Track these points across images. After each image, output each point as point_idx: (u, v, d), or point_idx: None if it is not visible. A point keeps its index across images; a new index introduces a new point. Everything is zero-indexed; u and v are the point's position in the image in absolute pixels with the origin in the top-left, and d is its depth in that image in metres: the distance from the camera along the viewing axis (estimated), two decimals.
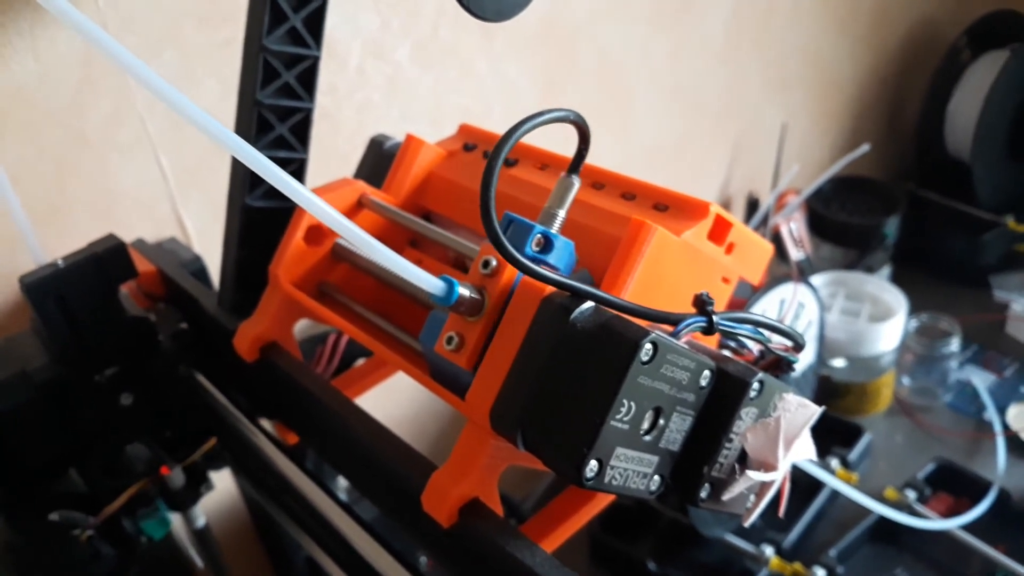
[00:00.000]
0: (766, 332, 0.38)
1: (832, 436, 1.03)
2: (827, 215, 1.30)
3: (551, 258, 0.39)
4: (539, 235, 0.39)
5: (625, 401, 0.32)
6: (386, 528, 0.50)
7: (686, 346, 0.34)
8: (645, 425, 0.34)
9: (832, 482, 0.85)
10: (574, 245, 0.40)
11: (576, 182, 0.40)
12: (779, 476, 0.36)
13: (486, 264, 0.39)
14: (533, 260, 0.37)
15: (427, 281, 0.37)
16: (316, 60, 0.52)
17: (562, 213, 0.40)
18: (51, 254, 0.56)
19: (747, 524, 0.38)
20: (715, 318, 0.35)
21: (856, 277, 1.16)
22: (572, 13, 0.97)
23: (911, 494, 0.93)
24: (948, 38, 1.43)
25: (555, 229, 0.40)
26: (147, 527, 0.60)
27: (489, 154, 0.51)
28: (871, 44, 1.46)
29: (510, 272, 0.38)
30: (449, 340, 0.39)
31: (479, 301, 0.38)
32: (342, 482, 0.71)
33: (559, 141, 1.00)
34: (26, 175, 0.64)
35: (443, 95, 0.88)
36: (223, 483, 0.75)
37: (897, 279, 1.25)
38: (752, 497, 0.38)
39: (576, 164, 0.40)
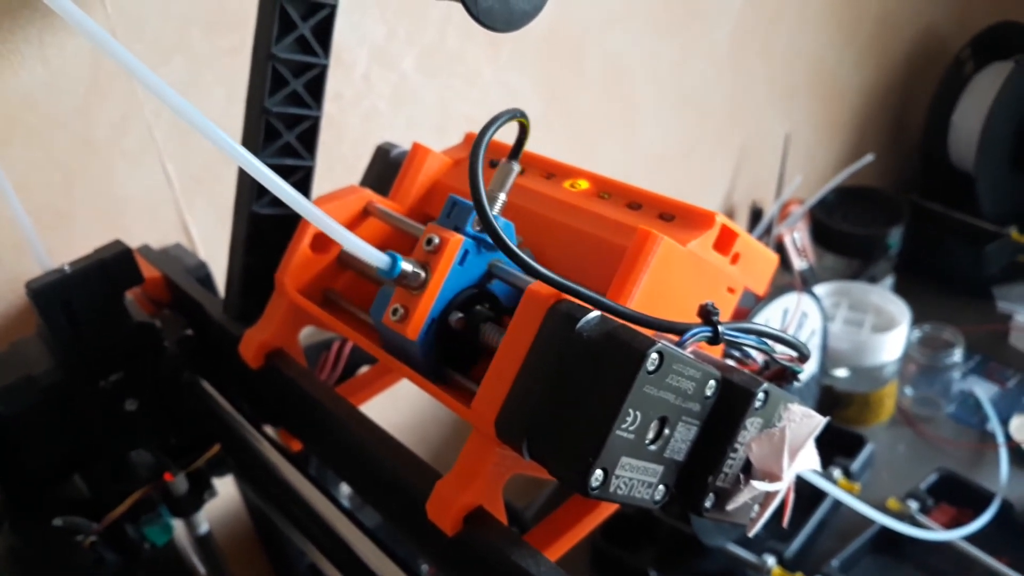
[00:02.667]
0: (771, 342, 0.38)
1: (834, 446, 1.03)
2: (831, 225, 1.30)
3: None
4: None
5: (631, 411, 0.33)
6: (389, 536, 0.50)
7: (691, 356, 0.35)
8: (650, 435, 0.34)
9: (834, 492, 0.85)
10: (515, 227, 0.44)
11: (516, 167, 0.45)
12: (784, 486, 0.36)
13: (429, 241, 0.42)
14: (475, 239, 0.43)
15: (373, 255, 0.41)
16: (324, 68, 0.52)
17: (503, 196, 0.44)
18: (58, 260, 0.57)
19: (751, 534, 0.38)
20: (721, 328, 0.35)
21: (859, 287, 1.16)
22: (578, 22, 0.97)
23: (913, 504, 0.93)
24: (952, 49, 1.43)
25: (496, 211, 0.43)
26: (150, 533, 0.60)
27: (494, 163, 0.51)
28: (875, 54, 1.47)
29: (451, 248, 0.42)
30: (395, 312, 0.43)
31: (421, 275, 0.42)
32: (345, 489, 0.71)
33: (562, 147, 1.01)
34: (33, 181, 0.64)
35: (449, 103, 0.89)
36: (226, 489, 0.75)
37: (900, 289, 1.25)
38: (756, 507, 0.39)
39: (516, 151, 0.45)
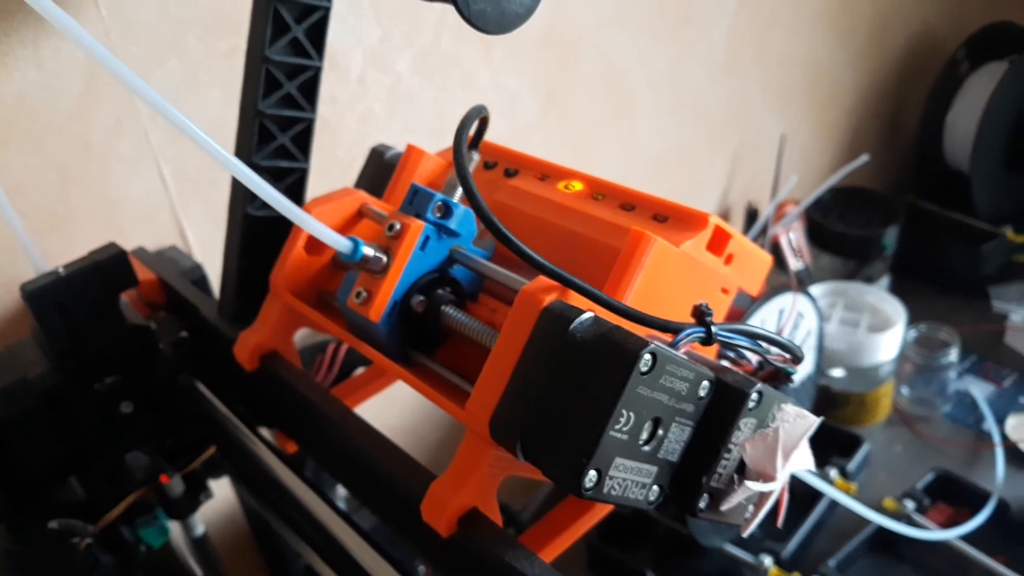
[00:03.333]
0: (764, 344, 0.38)
1: (831, 446, 1.03)
2: (826, 225, 1.30)
3: (451, 223, 0.45)
4: (439, 202, 0.45)
5: (624, 411, 0.33)
6: (385, 537, 0.50)
7: (685, 356, 0.35)
8: (644, 435, 0.34)
9: (831, 492, 0.85)
10: (474, 215, 0.45)
11: (475, 156, 0.48)
12: (778, 486, 0.36)
13: (391, 227, 0.45)
14: (435, 225, 0.45)
15: (335, 240, 0.43)
16: (318, 71, 0.52)
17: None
18: (53, 262, 0.56)
19: (745, 534, 0.38)
20: (713, 329, 0.36)
21: (855, 287, 1.16)
22: (573, 24, 0.97)
23: (910, 504, 0.93)
24: (947, 49, 1.43)
25: (456, 198, 0.46)
26: (146, 535, 0.60)
27: (488, 164, 0.52)
28: (871, 55, 1.47)
29: (412, 233, 0.44)
30: (358, 295, 0.45)
31: (383, 259, 0.44)
32: (340, 491, 0.71)
33: (558, 149, 1.01)
34: (29, 184, 0.64)
35: (444, 106, 0.89)
36: (221, 491, 0.75)
37: (896, 289, 1.25)
38: (751, 507, 0.39)
39: (476, 142, 0.48)
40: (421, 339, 0.46)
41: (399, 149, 0.56)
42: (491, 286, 0.47)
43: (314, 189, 0.56)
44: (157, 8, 0.66)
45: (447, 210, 0.45)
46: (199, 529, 0.66)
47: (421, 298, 0.45)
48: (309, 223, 0.42)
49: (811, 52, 1.34)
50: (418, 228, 0.44)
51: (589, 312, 0.35)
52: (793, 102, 1.36)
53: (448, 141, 0.56)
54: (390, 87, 0.83)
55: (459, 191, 0.46)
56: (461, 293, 0.47)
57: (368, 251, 0.44)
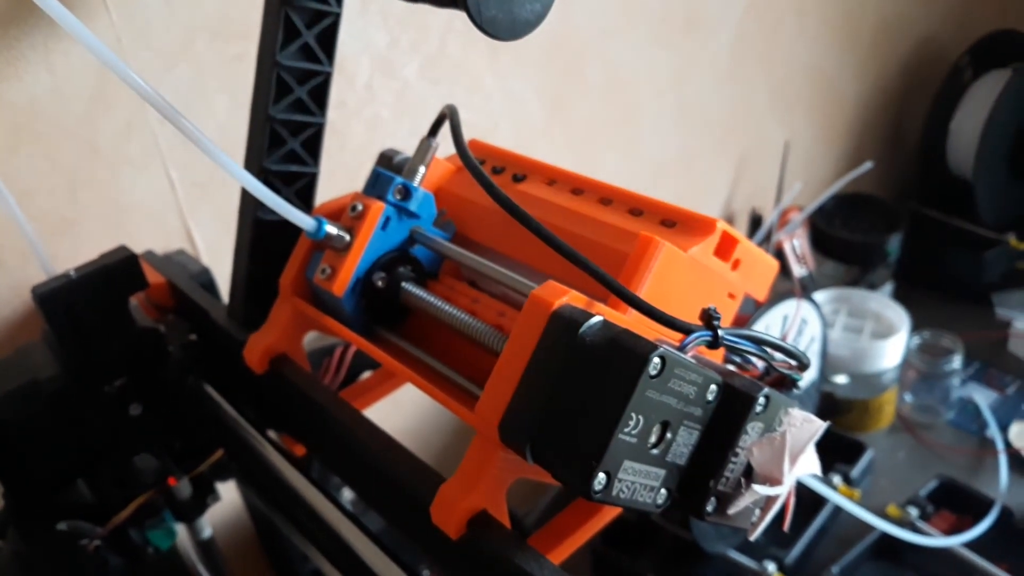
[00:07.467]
0: (770, 350, 0.38)
1: (834, 452, 1.03)
2: (830, 232, 1.31)
3: (411, 205, 0.48)
4: (399, 185, 0.48)
5: (633, 415, 0.33)
6: (393, 540, 0.50)
7: (693, 360, 0.35)
8: (653, 439, 0.34)
9: (834, 498, 0.85)
10: (434, 197, 0.49)
11: (434, 143, 0.49)
12: (784, 490, 0.36)
13: (354, 208, 0.47)
14: (396, 207, 0.47)
15: (299, 218, 0.45)
16: (328, 76, 0.52)
17: (423, 169, 0.49)
18: (62, 265, 0.57)
19: (752, 538, 0.39)
20: (720, 333, 0.36)
21: (858, 294, 1.16)
22: (579, 31, 0.98)
23: (913, 511, 0.93)
24: (951, 57, 1.44)
25: (416, 182, 0.49)
26: (154, 537, 0.60)
27: (497, 168, 0.52)
28: (874, 63, 1.47)
29: (373, 214, 0.47)
30: (323, 271, 0.48)
31: (346, 238, 0.47)
32: (347, 493, 0.72)
33: (564, 154, 1.01)
34: (39, 187, 0.64)
35: None
36: (228, 494, 0.75)
37: (899, 296, 1.26)
38: (757, 511, 0.39)
39: (433, 130, 0.49)
40: (384, 315, 0.49)
41: (407, 154, 0.57)
42: (475, 276, 0.49)
43: (321, 193, 0.56)
44: (166, 13, 0.67)
45: (407, 193, 0.48)
46: (206, 532, 0.66)
47: (382, 275, 0.48)
48: (275, 202, 0.45)
49: (815, 59, 1.35)
50: (379, 209, 0.47)
51: (599, 316, 0.35)
52: (797, 109, 1.37)
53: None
54: (398, 92, 0.83)
55: (419, 176, 0.49)
56: (421, 271, 0.50)
57: (331, 229, 0.46)
